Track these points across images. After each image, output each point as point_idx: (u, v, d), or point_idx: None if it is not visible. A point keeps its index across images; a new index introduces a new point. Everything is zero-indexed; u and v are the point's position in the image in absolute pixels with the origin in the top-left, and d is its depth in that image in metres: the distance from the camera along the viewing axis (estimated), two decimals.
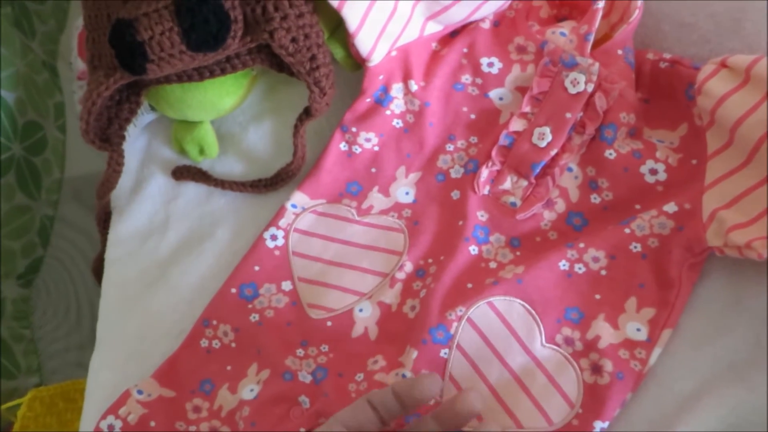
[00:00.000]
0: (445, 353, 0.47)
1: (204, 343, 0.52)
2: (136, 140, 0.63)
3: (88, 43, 0.54)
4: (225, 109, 0.60)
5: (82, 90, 0.75)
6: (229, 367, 0.51)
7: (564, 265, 0.50)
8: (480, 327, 0.48)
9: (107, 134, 0.56)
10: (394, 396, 0.43)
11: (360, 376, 0.48)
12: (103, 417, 0.50)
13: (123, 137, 0.57)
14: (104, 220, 0.62)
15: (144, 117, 0.62)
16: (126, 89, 0.55)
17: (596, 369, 0.46)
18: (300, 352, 0.50)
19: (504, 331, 0.48)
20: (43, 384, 0.86)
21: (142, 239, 0.59)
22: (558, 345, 0.47)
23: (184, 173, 0.61)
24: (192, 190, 0.61)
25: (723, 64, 0.49)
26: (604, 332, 0.47)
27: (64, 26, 0.87)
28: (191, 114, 0.59)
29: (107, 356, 0.55)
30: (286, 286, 0.53)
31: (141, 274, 0.58)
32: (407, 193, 0.55)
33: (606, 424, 0.45)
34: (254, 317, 0.52)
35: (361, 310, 0.51)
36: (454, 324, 0.48)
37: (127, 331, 0.55)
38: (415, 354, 0.47)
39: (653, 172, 0.51)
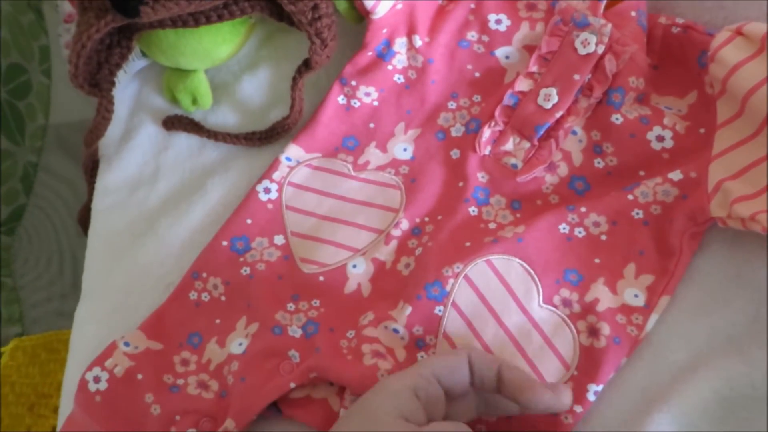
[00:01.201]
0: (440, 310, 0.47)
1: (193, 295, 0.52)
2: (126, 87, 0.61)
3: None
4: (220, 57, 0.58)
5: (68, 34, 0.74)
6: (218, 321, 0.51)
7: (564, 228, 0.49)
8: (477, 285, 0.47)
9: (96, 79, 0.54)
10: (498, 376, 0.42)
11: (351, 333, 0.48)
12: (89, 368, 0.50)
13: (113, 83, 0.55)
14: (92, 168, 0.60)
15: (135, 63, 0.60)
16: (117, 33, 0.54)
17: (593, 332, 0.46)
18: (291, 306, 0.50)
19: (501, 290, 0.47)
20: (25, 333, 0.85)
21: (131, 190, 0.58)
22: (556, 306, 0.47)
23: (176, 123, 0.59)
24: (183, 141, 0.59)
25: (738, 32, 0.48)
26: (603, 296, 0.47)
27: None
28: (185, 62, 0.57)
29: (93, 308, 0.54)
30: (279, 240, 0.52)
31: (129, 225, 0.56)
32: (405, 150, 0.54)
33: (600, 388, 0.45)
34: (245, 270, 0.51)
35: (354, 266, 0.50)
36: (450, 281, 0.47)
37: (113, 284, 0.54)
38: (408, 310, 0.47)
39: (660, 138, 0.50)
